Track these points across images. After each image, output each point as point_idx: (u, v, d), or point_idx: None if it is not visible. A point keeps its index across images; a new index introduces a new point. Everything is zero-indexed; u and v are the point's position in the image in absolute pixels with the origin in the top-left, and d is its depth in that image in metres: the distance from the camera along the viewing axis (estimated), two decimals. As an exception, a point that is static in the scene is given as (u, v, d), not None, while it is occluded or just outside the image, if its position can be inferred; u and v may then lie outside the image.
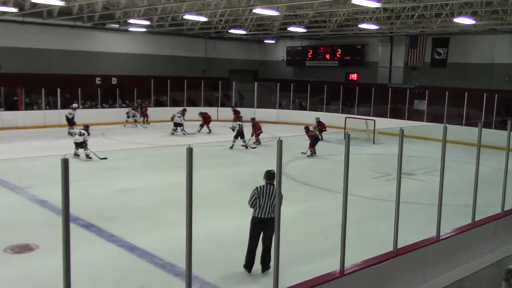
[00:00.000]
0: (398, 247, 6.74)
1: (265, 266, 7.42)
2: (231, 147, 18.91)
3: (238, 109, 26.77)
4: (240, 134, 19.48)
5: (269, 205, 7.30)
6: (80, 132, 16.23)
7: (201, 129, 23.77)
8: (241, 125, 19.77)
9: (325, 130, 22.02)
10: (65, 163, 3.71)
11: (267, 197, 7.29)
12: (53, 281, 6.21)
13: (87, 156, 15.68)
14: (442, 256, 7.44)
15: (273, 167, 5.16)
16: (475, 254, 8.10)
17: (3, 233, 9.07)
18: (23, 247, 8.41)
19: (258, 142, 20.07)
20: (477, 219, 8.29)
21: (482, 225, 8.34)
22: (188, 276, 4.56)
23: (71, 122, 21.54)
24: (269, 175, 7.47)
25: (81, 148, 15.85)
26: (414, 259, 7.01)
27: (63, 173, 3.71)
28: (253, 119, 21.05)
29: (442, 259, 7.44)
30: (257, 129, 20.14)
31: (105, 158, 15.63)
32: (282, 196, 7.10)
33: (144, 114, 26.51)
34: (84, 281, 6.51)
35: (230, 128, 20.42)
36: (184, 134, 22.81)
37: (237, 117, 24.08)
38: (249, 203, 7.38)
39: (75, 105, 22.69)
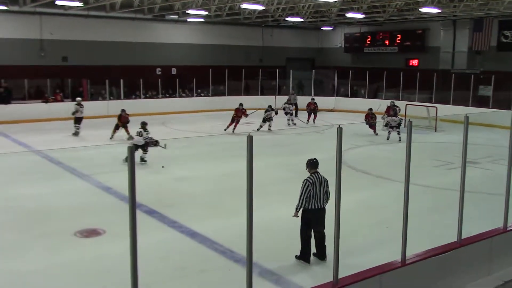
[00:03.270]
0: (462, 238, 6.56)
1: (323, 255, 7.40)
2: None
3: (296, 96, 26.71)
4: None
5: (322, 194, 7.24)
6: (140, 133, 13.98)
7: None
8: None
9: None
10: (131, 150, 3.84)
11: (319, 187, 7.21)
12: (121, 264, 6.46)
13: (142, 159, 13.92)
14: (509, 247, 7.17)
15: (333, 155, 5.12)
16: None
17: (72, 218, 9.53)
18: (91, 231, 8.80)
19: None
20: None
21: (553, 216, 7.96)
22: (249, 262, 4.62)
23: (78, 120, 19.18)
24: (313, 164, 7.39)
25: (142, 150, 13.85)
26: (479, 250, 6.79)
27: (130, 160, 3.85)
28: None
29: (509, 251, 7.17)
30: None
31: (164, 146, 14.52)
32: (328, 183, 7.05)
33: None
34: (148, 265, 6.74)
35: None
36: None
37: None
38: (302, 196, 7.20)
39: (79, 98, 20.31)
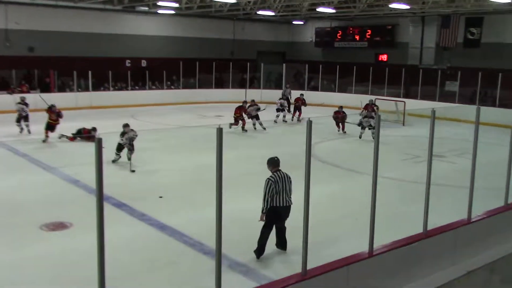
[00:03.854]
0: (428, 229, 6.71)
1: (284, 245, 7.49)
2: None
3: (265, 90, 26.70)
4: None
5: (286, 191, 7.19)
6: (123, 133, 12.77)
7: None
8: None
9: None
10: (99, 143, 3.79)
11: (282, 184, 7.15)
12: (89, 257, 6.39)
13: (132, 170, 12.37)
14: (473, 238, 7.37)
15: (302, 148, 5.15)
16: (508, 236, 7.99)
17: (38, 211, 9.36)
18: (58, 224, 8.66)
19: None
20: (509, 201, 8.17)
21: (515, 208, 8.22)
22: (218, 255, 4.63)
23: (26, 118, 17.21)
24: (275, 162, 7.34)
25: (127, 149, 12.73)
26: (444, 241, 6.96)
27: (97, 153, 3.79)
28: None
29: (473, 242, 7.37)
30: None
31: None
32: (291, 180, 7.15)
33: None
34: (117, 258, 6.67)
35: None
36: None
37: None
38: (266, 196, 7.08)
39: (22, 96, 18.32)
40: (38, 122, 16.33)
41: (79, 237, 8.05)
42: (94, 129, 16.07)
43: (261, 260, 7.27)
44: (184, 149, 15.44)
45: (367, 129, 17.81)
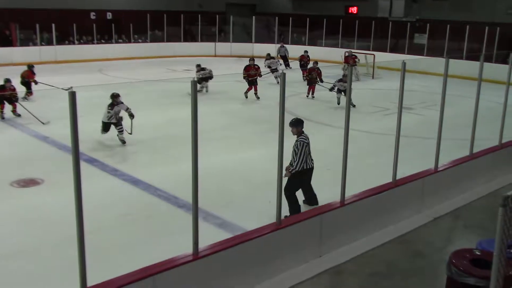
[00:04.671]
0: (397, 178, 6.91)
1: (316, 201, 7.37)
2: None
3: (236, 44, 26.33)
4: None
5: (310, 153, 7.15)
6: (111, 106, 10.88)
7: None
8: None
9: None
10: (72, 96, 3.72)
11: (309, 146, 7.12)
12: (62, 212, 6.39)
13: (123, 141, 10.96)
14: (439, 187, 7.65)
15: (273, 102, 5.18)
16: (472, 185, 8.31)
17: (8, 168, 9.22)
18: (28, 181, 8.57)
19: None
20: (474, 151, 8.45)
21: (480, 157, 8.52)
22: (195, 206, 4.69)
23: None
24: (302, 123, 7.14)
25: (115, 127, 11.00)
26: (412, 189, 7.21)
27: (71, 107, 3.73)
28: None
29: (439, 190, 7.65)
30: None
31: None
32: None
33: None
34: (91, 213, 6.65)
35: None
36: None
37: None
38: (302, 157, 6.92)
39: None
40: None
41: (51, 193, 8.01)
42: (7, 80, 13.22)
43: (236, 212, 7.40)
44: (154, 103, 15.25)
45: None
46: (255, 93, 16.28)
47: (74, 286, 4.10)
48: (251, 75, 16.34)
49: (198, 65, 17.40)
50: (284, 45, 25.03)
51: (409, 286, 5.57)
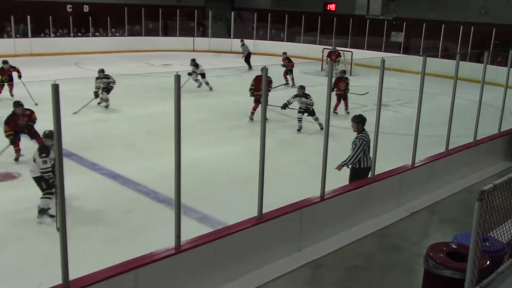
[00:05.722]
0: (375, 174, 7.02)
1: None
2: None
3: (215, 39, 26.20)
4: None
5: (369, 152, 7.10)
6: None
7: None
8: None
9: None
10: (55, 88, 3.70)
11: (369, 145, 7.07)
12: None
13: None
14: (416, 182, 7.80)
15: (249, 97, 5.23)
16: (447, 180, 8.50)
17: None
18: (5, 175, 8.46)
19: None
20: (450, 148, 8.63)
21: (455, 154, 8.70)
22: (177, 202, 4.71)
23: None
24: (364, 121, 7.14)
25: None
26: (390, 185, 7.33)
27: (54, 99, 3.72)
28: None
29: (416, 186, 7.81)
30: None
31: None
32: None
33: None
34: (69, 207, 6.62)
35: None
36: None
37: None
38: (357, 154, 6.97)
39: None
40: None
41: (28, 188, 7.88)
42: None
43: (216, 206, 7.43)
44: (131, 97, 15.14)
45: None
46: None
47: (55, 280, 4.09)
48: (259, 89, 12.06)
49: (193, 60, 16.77)
50: (245, 42, 23.46)
51: (387, 279, 5.69)
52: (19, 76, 14.19)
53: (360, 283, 5.57)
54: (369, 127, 7.17)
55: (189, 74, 16.38)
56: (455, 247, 4.87)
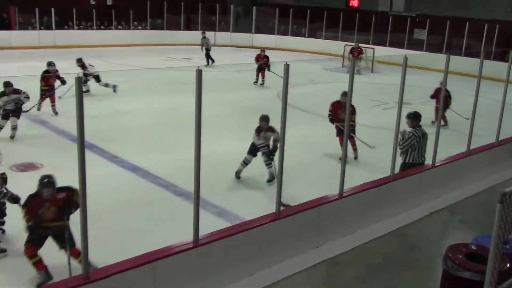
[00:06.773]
0: (395, 173, 6.97)
1: None
2: None
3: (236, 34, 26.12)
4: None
5: (423, 148, 7.20)
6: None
7: None
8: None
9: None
10: (79, 81, 3.76)
11: (421, 141, 7.14)
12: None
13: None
14: (436, 182, 7.71)
15: (272, 93, 5.21)
16: (468, 181, 8.38)
17: (6, 152, 9.20)
18: (28, 165, 8.60)
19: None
20: (472, 147, 8.52)
21: (477, 154, 8.59)
22: (196, 195, 4.74)
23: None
24: (418, 117, 7.25)
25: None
26: (410, 184, 7.27)
27: (77, 91, 3.77)
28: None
29: (436, 185, 7.71)
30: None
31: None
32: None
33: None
34: (89, 199, 6.70)
35: None
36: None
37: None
38: (404, 145, 7.09)
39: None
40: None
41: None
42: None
43: (235, 201, 7.46)
44: (153, 90, 15.26)
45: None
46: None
47: (75, 271, 4.15)
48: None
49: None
50: (206, 35, 21.80)
51: (405, 278, 5.65)
52: (63, 82, 11.99)
53: (377, 282, 5.54)
54: (390, 124, 7.11)
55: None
56: (474, 248, 4.81)
